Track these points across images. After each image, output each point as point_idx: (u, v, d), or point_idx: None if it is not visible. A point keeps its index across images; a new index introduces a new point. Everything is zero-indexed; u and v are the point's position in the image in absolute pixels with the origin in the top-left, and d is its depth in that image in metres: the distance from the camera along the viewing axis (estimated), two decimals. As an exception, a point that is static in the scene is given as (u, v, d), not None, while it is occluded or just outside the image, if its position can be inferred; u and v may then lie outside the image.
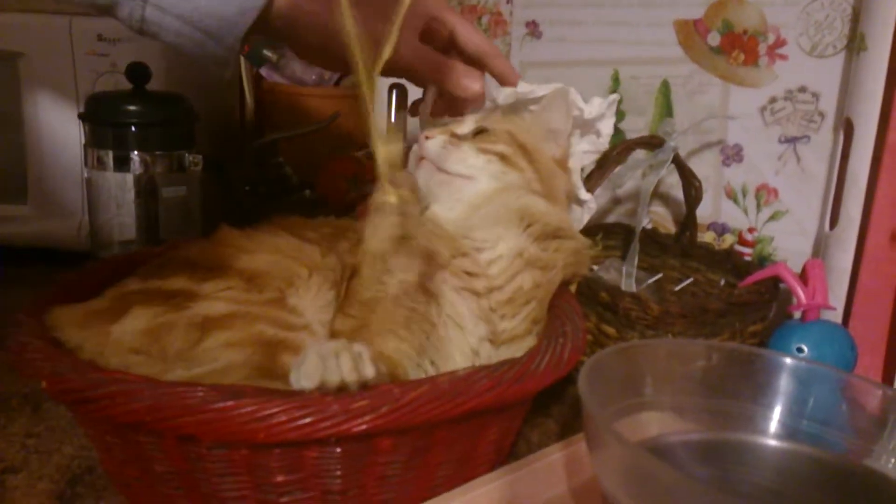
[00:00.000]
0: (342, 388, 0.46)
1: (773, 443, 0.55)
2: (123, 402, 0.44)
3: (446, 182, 0.66)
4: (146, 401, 0.44)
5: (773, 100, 0.91)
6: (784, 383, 0.55)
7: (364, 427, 0.45)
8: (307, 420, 0.45)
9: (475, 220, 0.65)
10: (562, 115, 0.71)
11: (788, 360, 0.56)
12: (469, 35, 0.70)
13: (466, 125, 0.69)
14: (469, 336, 0.62)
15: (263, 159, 1.21)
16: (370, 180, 1.07)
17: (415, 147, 0.69)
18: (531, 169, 0.67)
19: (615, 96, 0.72)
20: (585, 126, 0.74)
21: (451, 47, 0.71)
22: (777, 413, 0.55)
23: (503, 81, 0.73)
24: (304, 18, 0.59)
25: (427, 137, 0.67)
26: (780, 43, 0.90)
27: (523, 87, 0.72)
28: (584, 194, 0.72)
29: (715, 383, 0.54)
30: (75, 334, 0.55)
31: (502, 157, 0.66)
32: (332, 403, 0.45)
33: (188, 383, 0.46)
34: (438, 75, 0.67)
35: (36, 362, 0.48)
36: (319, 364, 0.46)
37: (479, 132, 0.68)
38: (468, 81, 0.68)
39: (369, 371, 0.47)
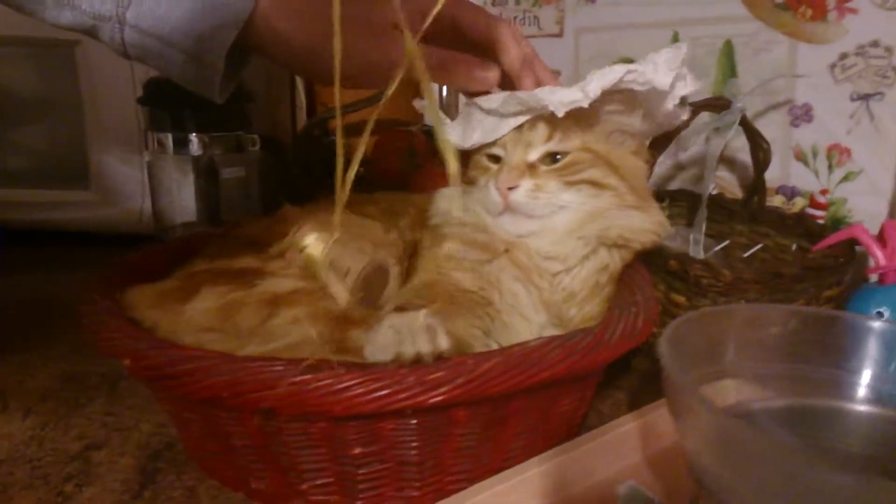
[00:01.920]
0: (417, 361, 0.46)
1: (859, 408, 0.52)
2: (203, 377, 0.45)
3: (537, 225, 0.61)
4: (225, 376, 0.44)
5: (843, 56, 0.87)
6: (869, 347, 0.53)
7: (440, 398, 0.45)
8: (384, 392, 0.45)
9: (563, 248, 0.61)
10: (628, 115, 0.62)
11: (873, 323, 0.53)
12: (473, 20, 0.61)
13: (535, 148, 0.61)
14: (531, 324, 0.61)
15: (315, 139, 1.21)
16: (424, 154, 1.07)
17: (488, 188, 0.61)
18: (621, 182, 0.61)
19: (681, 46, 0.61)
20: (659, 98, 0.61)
21: (457, 38, 0.61)
22: (862, 377, 0.53)
23: (512, 76, 0.62)
24: (282, 37, 0.57)
25: (510, 188, 0.59)
26: (850, -5, 0.86)
27: (591, 87, 0.57)
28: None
29: (797, 349, 0.52)
30: (150, 314, 0.55)
31: (592, 183, 0.61)
32: (408, 375, 0.45)
33: (266, 358, 0.46)
34: (443, 74, 0.60)
35: (117, 341, 0.49)
36: (394, 336, 0.46)
37: (554, 156, 0.61)
38: (481, 73, 0.60)
39: (444, 342, 0.47)
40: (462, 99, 0.65)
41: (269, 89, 1.32)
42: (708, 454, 0.42)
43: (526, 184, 0.59)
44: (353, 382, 0.44)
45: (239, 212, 0.95)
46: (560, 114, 0.56)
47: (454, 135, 0.64)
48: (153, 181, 0.96)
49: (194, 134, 0.90)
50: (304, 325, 0.54)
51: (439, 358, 0.47)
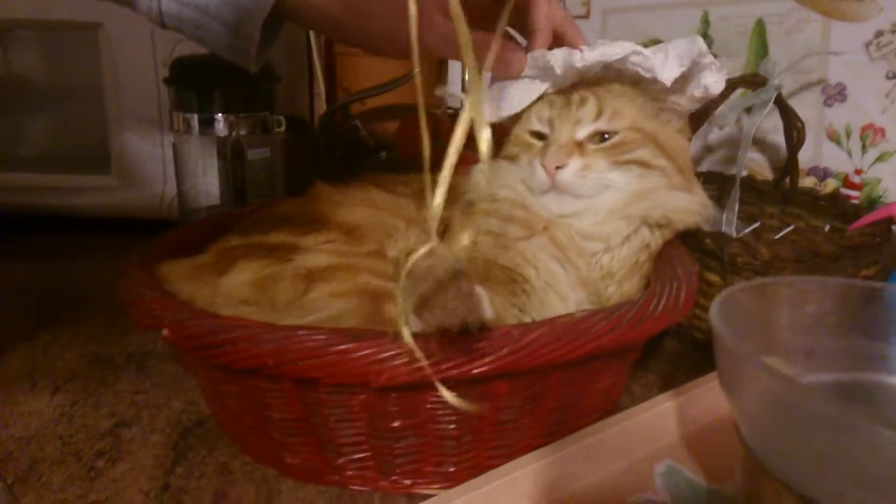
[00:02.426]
0: (463, 330, 0.45)
1: (909, 384, 0.51)
2: (246, 346, 0.44)
3: (582, 204, 0.60)
4: (268, 344, 0.44)
5: (879, 33, 0.86)
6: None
7: (485, 368, 0.45)
8: (429, 361, 0.44)
9: (606, 228, 0.60)
10: (677, 93, 0.61)
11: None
12: (541, 9, 0.60)
13: (584, 126, 0.60)
14: (567, 302, 0.60)
15: (336, 122, 1.21)
16: (448, 137, 1.06)
17: (534, 166, 0.60)
18: (669, 163, 0.60)
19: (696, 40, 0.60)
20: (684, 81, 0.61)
21: (523, 20, 0.61)
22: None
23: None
24: (315, 9, 0.57)
25: (558, 167, 0.58)
26: (886, -28, 0.84)
27: (590, 53, 0.58)
28: None
29: (846, 322, 0.51)
30: (185, 287, 0.55)
31: (641, 163, 0.60)
32: (453, 345, 0.44)
33: (309, 327, 0.45)
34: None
35: (156, 311, 0.48)
36: (445, 305, 0.45)
37: (602, 135, 0.60)
38: (512, 58, 0.59)
39: (489, 312, 0.46)
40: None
41: (288, 72, 1.31)
42: (766, 422, 0.41)
43: (574, 163, 0.58)
44: (397, 351, 0.43)
45: (264, 194, 0.94)
46: (558, 72, 0.58)
47: (485, 111, 0.62)
48: (178, 163, 0.95)
49: (220, 114, 0.89)
50: (340, 301, 0.54)
51: (483, 328, 0.46)
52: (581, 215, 0.60)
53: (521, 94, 0.61)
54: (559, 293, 0.59)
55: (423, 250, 0.41)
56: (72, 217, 1.13)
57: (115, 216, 1.12)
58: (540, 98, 0.62)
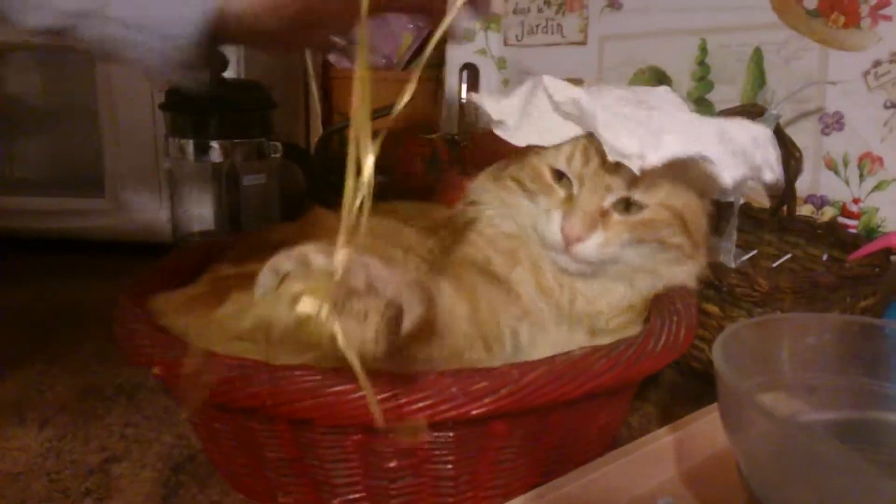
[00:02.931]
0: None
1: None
2: (242, 386, 0.43)
3: (590, 269, 0.57)
4: (264, 384, 0.43)
5: (877, 63, 0.86)
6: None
7: (484, 409, 0.44)
8: (426, 402, 0.43)
9: (609, 295, 0.58)
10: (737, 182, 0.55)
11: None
12: None
13: (614, 193, 0.55)
14: (547, 335, 0.59)
15: (332, 147, 1.20)
16: (446, 161, 1.06)
17: (551, 222, 0.56)
18: (687, 240, 0.57)
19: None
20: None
21: None
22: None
23: None
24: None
25: (578, 240, 0.54)
26: (883, 3, 0.85)
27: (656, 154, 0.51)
28: None
29: (848, 359, 0.51)
30: (179, 321, 0.54)
31: (661, 242, 0.56)
32: (451, 385, 0.44)
33: (305, 367, 0.44)
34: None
35: (148, 349, 0.47)
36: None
37: (627, 203, 0.55)
38: None
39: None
40: (538, 80, 0.56)
41: (284, 97, 1.31)
42: (766, 463, 0.41)
43: (596, 237, 0.54)
44: (395, 392, 0.42)
45: (259, 220, 0.93)
46: (611, 159, 0.52)
47: (508, 123, 0.58)
48: (173, 188, 0.95)
49: (216, 141, 0.89)
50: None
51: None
52: (586, 278, 0.58)
53: (555, 127, 0.56)
54: (542, 326, 0.58)
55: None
56: (66, 240, 1.12)
57: (109, 240, 1.11)
58: None
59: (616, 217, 0.55)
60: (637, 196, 0.55)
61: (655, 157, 0.50)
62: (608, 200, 0.55)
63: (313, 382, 0.42)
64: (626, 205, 0.55)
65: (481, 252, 0.60)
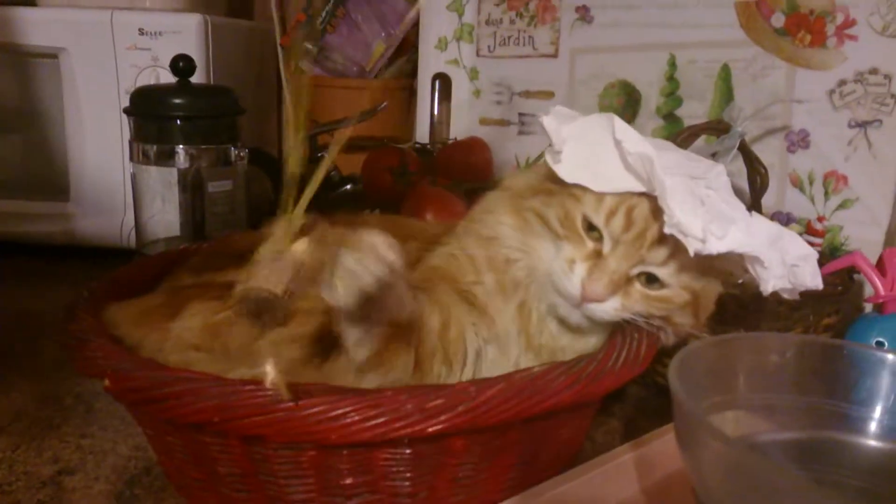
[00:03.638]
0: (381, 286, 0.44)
1: (866, 441, 0.52)
2: (191, 401, 0.42)
3: (589, 324, 0.55)
4: (214, 399, 0.42)
5: (842, 82, 0.87)
6: (877, 379, 0.52)
7: (440, 427, 0.43)
8: (380, 420, 0.42)
9: (595, 343, 0.57)
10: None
11: (881, 355, 0.52)
12: None
13: (643, 266, 0.53)
14: (509, 359, 0.58)
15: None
16: (415, 172, 1.05)
17: (571, 277, 0.53)
18: (693, 320, 0.56)
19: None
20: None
21: None
22: (870, 411, 0.52)
23: None
24: None
25: (596, 300, 0.52)
26: (849, 23, 0.86)
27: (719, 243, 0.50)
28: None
29: (804, 379, 0.51)
30: (134, 332, 0.53)
31: (668, 320, 0.55)
32: (406, 402, 0.43)
33: (256, 382, 0.43)
34: None
35: (98, 360, 0.46)
36: (351, 278, 0.44)
37: (651, 277, 0.53)
38: None
39: (391, 255, 0.45)
40: (611, 117, 0.53)
41: (257, 104, 1.30)
42: (718, 485, 0.41)
43: (614, 302, 0.52)
44: (348, 409, 0.42)
45: (224, 226, 0.92)
46: (667, 231, 0.49)
47: (577, 166, 0.53)
48: (137, 193, 0.93)
49: (181, 146, 0.88)
50: (294, 347, 0.52)
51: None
52: (584, 331, 0.56)
53: (611, 175, 0.53)
54: (506, 350, 0.57)
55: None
56: (29, 244, 1.10)
57: (73, 244, 1.09)
58: None
59: (638, 287, 0.53)
60: (664, 274, 0.53)
61: (716, 246, 0.49)
62: (636, 270, 0.53)
63: (264, 398, 0.42)
64: (650, 278, 0.53)
65: (465, 271, 0.59)
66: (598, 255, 0.53)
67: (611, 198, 0.52)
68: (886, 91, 0.85)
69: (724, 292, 0.57)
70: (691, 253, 0.49)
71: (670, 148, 0.57)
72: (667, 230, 0.49)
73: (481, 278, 0.58)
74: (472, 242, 0.59)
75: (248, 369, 0.49)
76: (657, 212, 0.50)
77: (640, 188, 0.52)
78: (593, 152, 0.53)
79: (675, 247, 0.51)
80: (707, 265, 0.53)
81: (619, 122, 0.52)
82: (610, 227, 0.52)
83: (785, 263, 0.52)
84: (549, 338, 0.57)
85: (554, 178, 0.55)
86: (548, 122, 0.54)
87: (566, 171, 0.53)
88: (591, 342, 0.57)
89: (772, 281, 0.52)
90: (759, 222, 0.53)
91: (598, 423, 0.70)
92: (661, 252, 0.52)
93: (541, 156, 0.58)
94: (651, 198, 0.51)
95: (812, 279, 0.53)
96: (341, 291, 0.43)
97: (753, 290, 0.54)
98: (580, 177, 0.53)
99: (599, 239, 0.53)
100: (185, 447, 0.49)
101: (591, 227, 0.53)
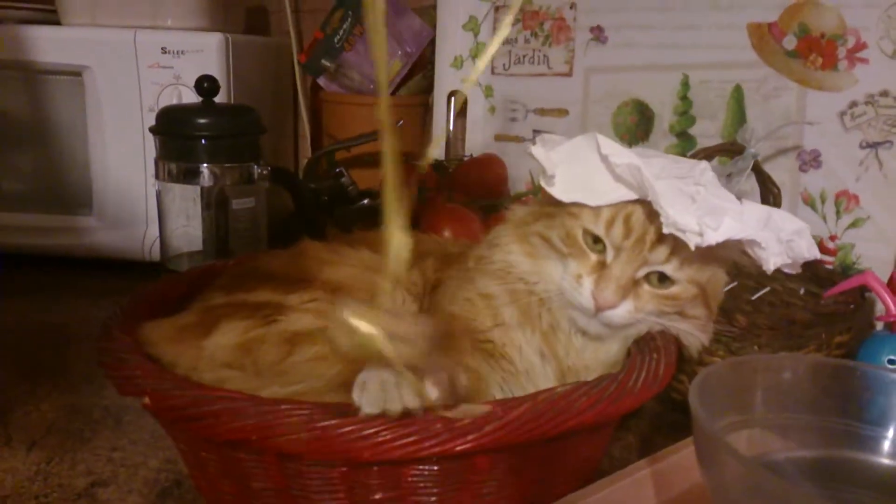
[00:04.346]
0: (406, 415, 0.44)
1: (880, 460, 0.53)
2: (229, 419, 0.44)
3: (609, 332, 0.58)
4: (252, 419, 0.44)
5: (853, 104, 0.89)
6: (890, 399, 0.53)
7: (467, 446, 0.45)
8: (411, 439, 0.44)
9: (619, 353, 0.59)
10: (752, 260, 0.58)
11: (894, 377, 0.54)
12: None
13: (648, 266, 0.55)
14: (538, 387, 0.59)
15: (321, 170, 1.21)
16: (432, 187, 1.07)
17: (582, 289, 0.56)
18: (705, 312, 0.59)
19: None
20: None
21: None
22: (885, 430, 0.53)
23: None
24: None
25: (610, 307, 0.54)
26: (860, 46, 0.87)
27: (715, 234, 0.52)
28: None
29: (820, 399, 0.53)
30: (169, 350, 0.55)
31: (681, 314, 0.57)
32: (436, 422, 0.44)
33: (292, 401, 0.45)
34: None
35: (137, 380, 0.48)
36: (381, 393, 0.44)
37: (658, 276, 0.56)
38: None
39: (432, 393, 0.45)
40: (594, 136, 0.56)
41: (273, 120, 1.32)
42: (738, 503, 0.42)
43: (626, 305, 0.55)
44: (381, 428, 0.43)
45: (247, 242, 0.94)
46: (666, 231, 0.52)
47: (570, 186, 0.57)
48: (161, 210, 0.95)
49: (205, 165, 0.90)
50: (324, 364, 0.54)
51: (428, 410, 0.45)
52: (604, 340, 0.59)
53: (603, 188, 0.56)
54: (534, 383, 0.59)
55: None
56: (53, 257, 1.12)
57: (96, 257, 1.11)
58: None
59: (646, 288, 0.56)
60: (669, 271, 0.55)
61: (713, 237, 0.51)
62: (641, 272, 0.55)
63: (301, 417, 0.43)
64: (658, 277, 0.56)
65: (483, 315, 0.60)
66: (602, 265, 0.55)
67: (607, 209, 0.55)
68: (897, 113, 0.86)
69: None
70: (691, 247, 0.51)
71: (655, 154, 0.60)
72: (665, 230, 0.52)
73: (501, 318, 0.60)
74: (486, 282, 0.61)
75: (280, 387, 0.51)
76: (652, 214, 0.53)
77: (633, 196, 0.55)
78: (584, 170, 0.56)
79: (674, 244, 0.54)
80: (708, 256, 0.56)
81: (602, 139, 0.55)
82: (611, 236, 0.55)
83: (781, 241, 0.55)
84: (575, 356, 0.59)
85: (552, 202, 0.58)
86: (536, 150, 0.57)
87: (561, 191, 0.56)
88: (613, 350, 0.59)
89: (772, 259, 0.55)
90: (750, 208, 0.55)
91: (616, 438, 0.71)
92: (662, 251, 0.55)
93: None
94: (645, 203, 0.54)
95: (809, 250, 0.56)
96: (364, 405, 0.43)
97: (756, 270, 0.57)
98: (575, 195, 0.56)
99: (603, 251, 0.56)
100: (219, 462, 0.51)
101: (594, 241, 0.56)
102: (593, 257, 0.56)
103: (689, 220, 0.51)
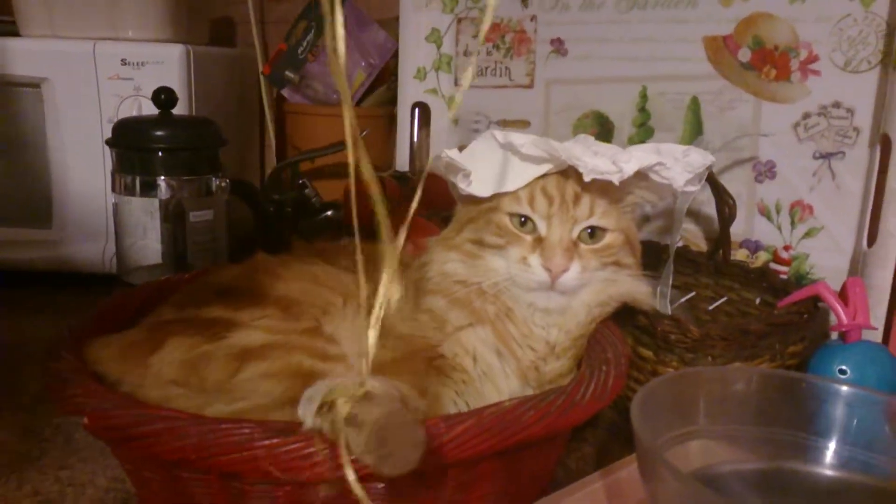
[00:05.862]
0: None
1: (823, 471, 0.53)
2: (169, 439, 0.43)
3: (566, 300, 0.61)
4: (192, 438, 0.43)
5: (806, 115, 0.90)
6: (835, 411, 0.54)
7: (412, 463, 0.44)
8: (352, 457, 0.43)
9: (580, 319, 0.62)
10: (656, 194, 0.65)
11: (839, 387, 0.54)
12: None
13: (579, 224, 0.60)
14: (501, 394, 0.61)
15: (284, 181, 1.21)
16: (395, 199, 1.07)
17: (531, 267, 0.59)
18: (634, 260, 0.64)
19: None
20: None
21: None
22: (829, 442, 0.54)
23: None
24: None
25: (564, 271, 0.58)
26: (812, 59, 0.89)
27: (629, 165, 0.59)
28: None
29: (765, 411, 0.53)
30: (115, 368, 0.54)
31: (618, 264, 0.62)
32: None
33: (233, 420, 0.45)
34: None
35: (77, 398, 0.47)
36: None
37: (588, 231, 0.60)
38: None
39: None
40: (490, 133, 0.62)
41: (239, 131, 1.32)
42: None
43: (575, 266, 0.59)
44: (323, 447, 0.43)
45: (206, 255, 0.93)
46: (587, 179, 0.58)
47: (485, 181, 0.61)
48: (118, 223, 0.94)
49: (163, 177, 0.89)
50: (271, 382, 0.53)
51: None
52: (565, 311, 0.61)
53: (511, 174, 0.61)
54: (494, 384, 0.60)
55: (356, 390, 0.42)
56: (12, 271, 1.11)
57: (55, 270, 1.10)
58: None
59: (584, 247, 0.60)
60: (595, 222, 0.60)
61: (630, 167, 0.58)
62: (575, 231, 0.60)
63: (242, 437, 0.43)
64: (589, 234, 0.60)
65: (429, 330, 0.62)
66: (539, 241, 0.60)
67: (523, 189, 0.61)
68: (849, 124, 0.87)
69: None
70: (616, 182, 0.57)
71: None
72: (586, 178, 0.57)
73: (448, 326, 0.61)
74: (427, 299, 0.63)
75: (225, 405, 0.50)
76: (563, 177, 0.60)
77: (541, 171, 0.60)
78: (491, 165, 0.61)
79: (591, 199, 0.60)
80: (620, 200, 0.63)
81: (498, 132, 0.61)
82: (537, 209, 0.60)
83: (678, 159, 0.61)
84: (540, 344, 0.61)
85: (469, 207, 0.63)
86: (445, 161, 0.61)
87: (479, 188, 0.61)
88: (580, 317, 0.62)
89: (679, 176, 0.60)
90: (640, 147, 0.62)
91: (571, 448, 0.71)
92: (585, 206, 0.60)
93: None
94: (552, 173, 0.61)
95: (703, 158, 0.62)
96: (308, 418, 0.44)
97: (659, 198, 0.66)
98: (492, 187, 0.61)
99: (534, 229, 0.60)
100: (162, 482, 0.50)
101: (521, 224, 0.60)
102: (528, 238, 0.60)
103: (604, 163, 0.58)
